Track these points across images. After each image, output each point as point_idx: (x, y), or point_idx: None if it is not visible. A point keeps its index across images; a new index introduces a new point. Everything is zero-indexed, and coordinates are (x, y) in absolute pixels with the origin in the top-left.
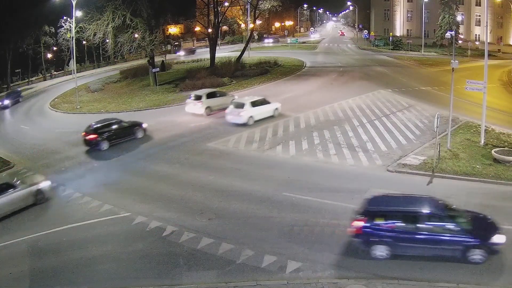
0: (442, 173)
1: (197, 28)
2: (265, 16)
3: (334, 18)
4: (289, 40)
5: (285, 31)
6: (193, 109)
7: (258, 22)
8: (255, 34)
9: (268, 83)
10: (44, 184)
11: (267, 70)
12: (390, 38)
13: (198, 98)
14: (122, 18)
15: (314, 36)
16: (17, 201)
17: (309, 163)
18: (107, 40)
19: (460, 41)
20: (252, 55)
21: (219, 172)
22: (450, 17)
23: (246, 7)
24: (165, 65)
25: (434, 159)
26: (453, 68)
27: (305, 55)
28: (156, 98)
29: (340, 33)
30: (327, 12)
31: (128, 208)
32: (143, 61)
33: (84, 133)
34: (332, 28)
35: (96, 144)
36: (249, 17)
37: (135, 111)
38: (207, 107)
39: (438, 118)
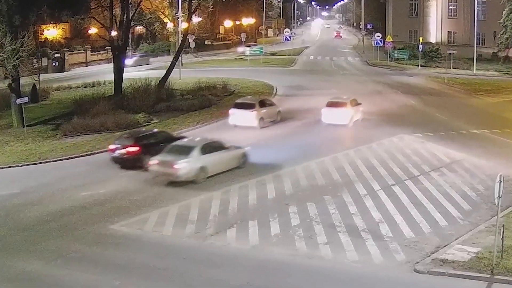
0: (507, 276)
1: (93, 30)
2: (208, 9)
3: (325, 13)
4: (248, 50)
5: (242, 34)
6: (241, 120)
7: (196, 19)
8: (190, 40)
9: (213, 124)
10: (248, 150)
11: (211, 102)
12: (420, 46)
13: (248, 106)
14: None
15: (242, 50)
16: (227, 160)
17: (282, 259)
18: None
19: None
20: (187, 75)
21: (130, 272)
22: None
23: None
24: (38, 92)
25: (494, 251)
26: None
27: (275, 75)
28: (23, 148)
29: (336, 34)
30: (313, 3)
31: None
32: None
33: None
34: (321, 29)
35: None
36: (180, 11)
37: None
38: (261, 118)
39: (501, 182)
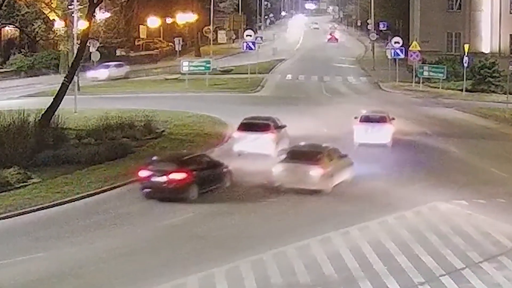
0: None
1: None
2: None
3: (311, 5)
4: (185, 65)
5: (177, 39)
6: (251, 146)
7: (101, 15)
8: (92, 49)
9: (128, 187)
10: (353, 161)
11: (127, 148)
12: (465, 59)
13: (262, 127)
14: None
15: (94, 74)
16: (345, 169)
17: None
18: None
19: None
20: (87, 106)
21: None
22: None
23: None
24: None
25: None
26: None
27: (229, 106)
28: None
29: (330, 37)
30: None
31: None
32: None
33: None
34: (305, 31)
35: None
36: (75, 3)
37: None
38: (276, 143)
39: None
